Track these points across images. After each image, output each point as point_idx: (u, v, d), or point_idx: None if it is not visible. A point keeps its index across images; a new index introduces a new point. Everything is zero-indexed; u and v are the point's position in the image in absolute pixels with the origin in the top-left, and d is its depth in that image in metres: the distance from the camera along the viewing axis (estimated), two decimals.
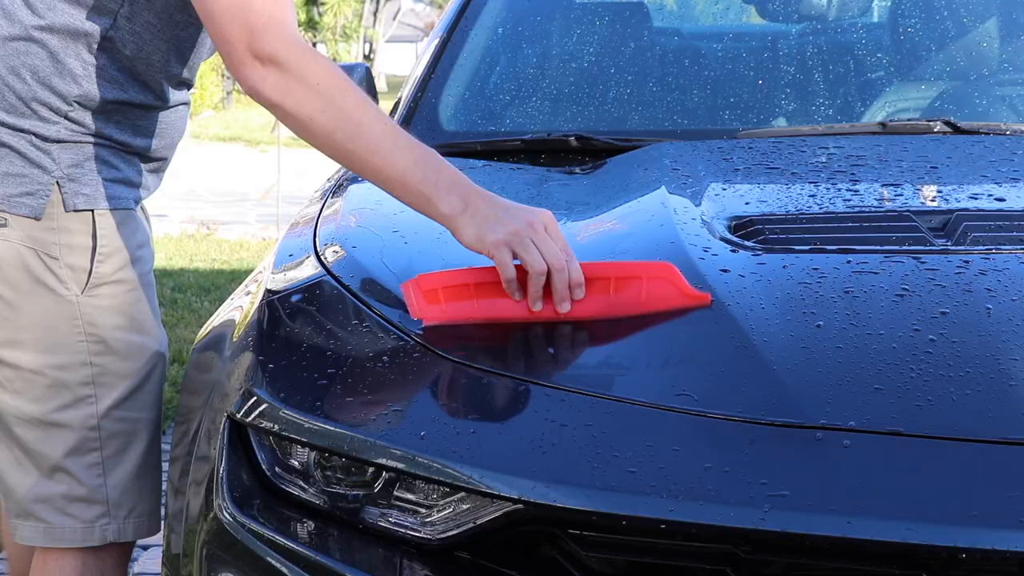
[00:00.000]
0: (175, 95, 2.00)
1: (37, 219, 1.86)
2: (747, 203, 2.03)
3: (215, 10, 1.76)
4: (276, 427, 1.56)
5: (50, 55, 1.85)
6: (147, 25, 1.90)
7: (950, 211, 1.88)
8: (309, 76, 1.73)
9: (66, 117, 1.86)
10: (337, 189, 2.32)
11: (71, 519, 1.94)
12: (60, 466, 1.92)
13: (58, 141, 1.86)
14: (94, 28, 1.86)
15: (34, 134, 1.85)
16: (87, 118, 1.88)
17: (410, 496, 1.49)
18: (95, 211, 1.89)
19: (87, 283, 1.90)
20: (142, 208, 2.07)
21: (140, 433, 1.98)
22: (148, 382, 1.98)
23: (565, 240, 1.66)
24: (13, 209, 1.85)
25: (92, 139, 1.89)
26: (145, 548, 3.40)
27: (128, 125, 1.93)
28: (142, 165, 1.99)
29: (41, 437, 1.92)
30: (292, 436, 1.55)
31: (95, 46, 1.87)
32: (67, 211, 1.87)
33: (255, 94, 1.76)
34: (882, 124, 2.51)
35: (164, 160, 2.05)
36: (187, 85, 2.04)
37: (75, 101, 1.87)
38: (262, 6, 1.74)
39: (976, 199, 2.01)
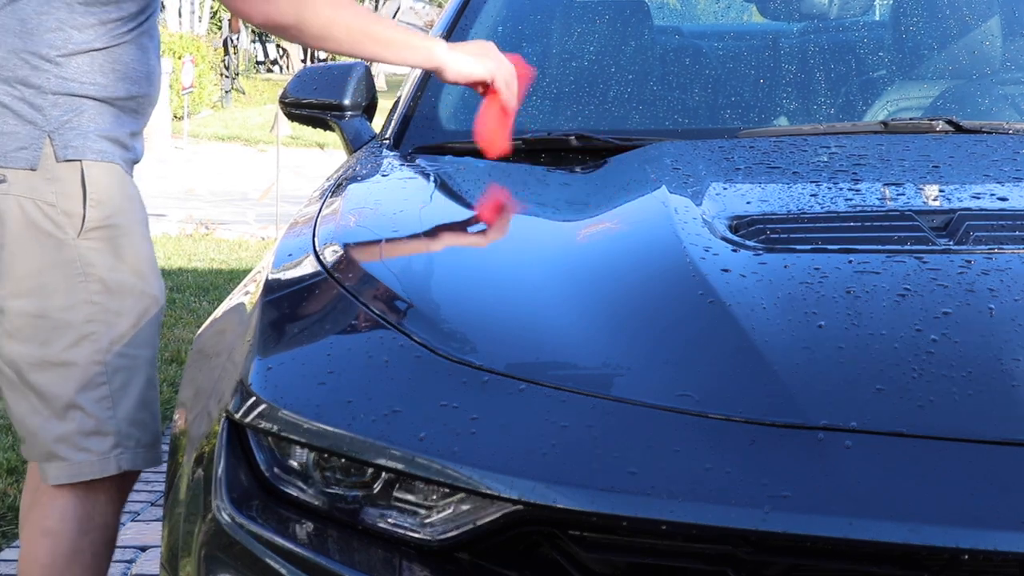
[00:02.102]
0: (150, 37, 2.20)
1: (33, 170, 2.06)
2: (748, 202, 2.02)
3: None
4: (275, 427, 1.56)
5: (35, 8, 2.05)
6: None
7: (952, 211, 1.87)
8: None
9: (56, 64, 2.06)
10: (336, 189, 2.32)
11: (87, 453, 2.13)
12: (73, 403, 2.11)
13: (51, 93, 2.06)
14: None
15: (26, 85, 2.05)
16: (76, 64, 2.07)
17: (409, 497, 1.49)
18: (83, 161, 2.08)
19: (82, 227, 2.09)
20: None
21: (140, 368, 2.16)
22: (145, 320, 2.16)
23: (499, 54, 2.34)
24: (11, 163, 2.06)
25: (80, 88, 2.08)
26: (144, 549, 3.40)
27: (111, 70, 2.11)
28: (127, 122, 2.16)
29: (54, 378, 2.10)
30: (291, 437, 1.54)
31: None
32: (58, 162, 2.07)
33: (270, 25, 2.14)
34: (884, 123, 2.51)
35: (145, 116, 2.23)
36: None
37: (63, 53, 2.06)
38: None
39: (978, 198, 2.00)
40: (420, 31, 2.27)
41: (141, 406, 2.17)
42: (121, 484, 2.23)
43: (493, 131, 2.37)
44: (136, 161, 2.23)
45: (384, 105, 3.02)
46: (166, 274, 7.40)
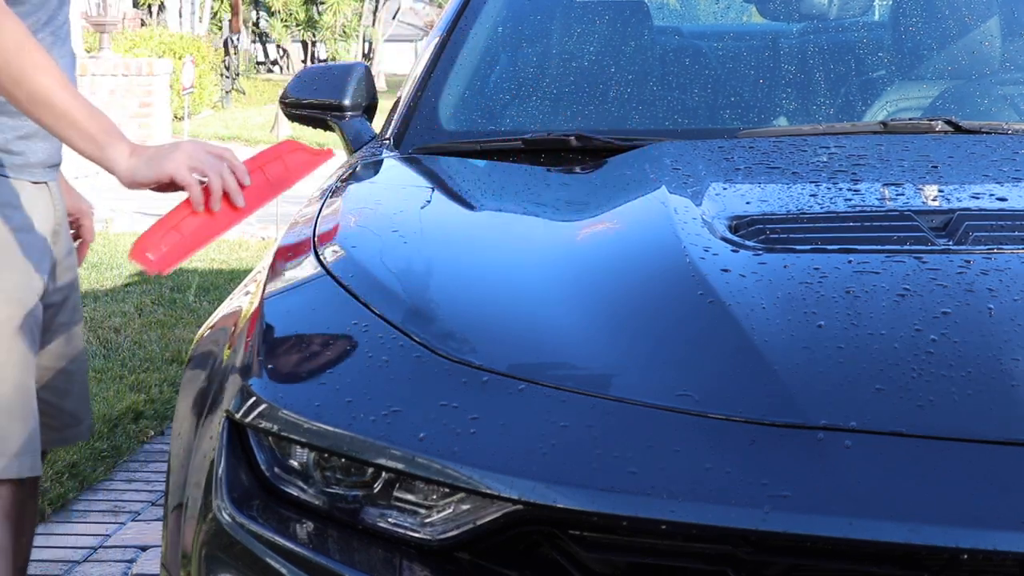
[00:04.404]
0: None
1: None
2: (748, 203, 2.02)
3: None
4: (275, 427, 1.56)
5: None
6: None
7: (951, 211, 1.87)
8: None
9: None
10: (336, 189, 2.32)
11: None
12: None
13: None
14: None
15: None
16: None
17: (410, 497, 1.49)
18: None
19: None
20: (50, 191, 2.18)
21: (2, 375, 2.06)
22: (3, 327, 2.05)
23: (214, 147, 1.99)
24: None
25: None
26: (144, 549, 3.40)
27: None
28: (8, 128, 2.08)
29: None
30: (291, 436, 1.54)
31: None
32: None
33: None
34: (883, 123, 2.51)
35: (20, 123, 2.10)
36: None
37: None
38: None
39: (978, 199, 2.00)
40: (106, 118, 2.00)
41: (5, 414, 2.05)
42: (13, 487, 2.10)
43: (162, 236, 1.95)
44: (37, 165, 2.13)
45: (384, 105, 3.02)
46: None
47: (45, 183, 2.17)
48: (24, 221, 2.11)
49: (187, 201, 1.95)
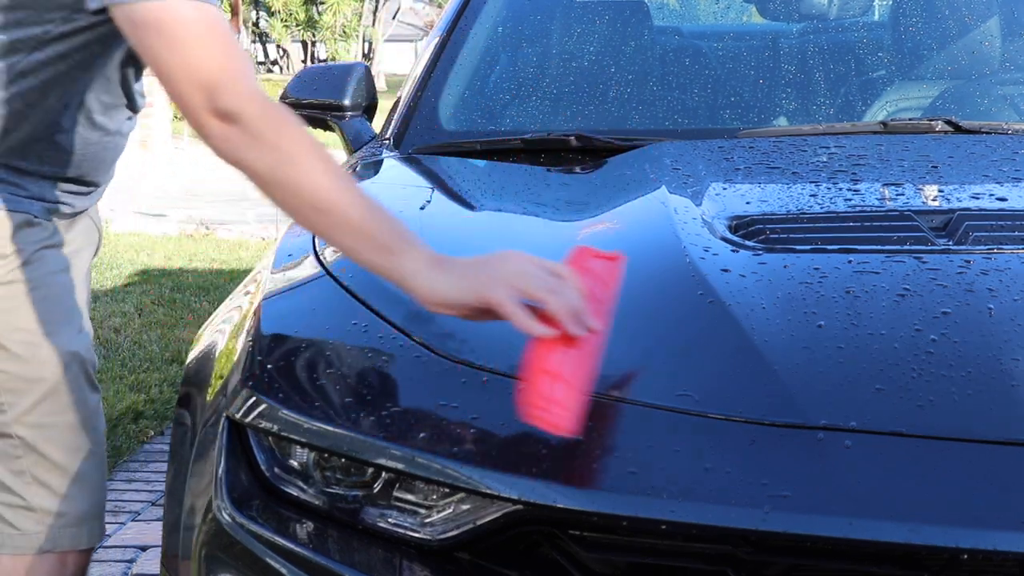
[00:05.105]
0: (95, 131, 1.92)
1: None
2: (748, 203, 2.02)
3: (167, 69, 1.66)
4: (275, 427, 1.56)
5: None
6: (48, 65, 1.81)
7: (951, 211, 1.87)
8: (270, 132, 1.62)
9: None
10: None
11: (7, 525, 1.91)
12: None
13: None
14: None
15: None
16: None
17: (410, 497, 1.49)
18: None
19: None
20: (90, 216, 2.03)
21: (66, 437, 1.92)
22: (65, 384, 1.90)
23: (544, 261, 1.53)
24: None
25: None
26: (144, 549, 3.40)
27: (33, 155, 1.87)
28: (59, 186, 1.91)
29: None
30: (291, 436, 1.54)
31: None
32: None
33: (220, 153, 1.66)
34: (883, 123, 2.51)
35: (88, 185, 1.97)
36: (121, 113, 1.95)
37: None
38: (216, 61, 1.65)
39: (978, 199, 2.00)
40: (395, 219, 1.61)
41: (74, 479, 1.92)
42: (56, 567, 1.96)
43: (548, 391, 1.42)
44: (76, 209, 1.97)
45: (384, 105, 3.02)
46: (166, 274, 7.40)
47: (84, 209, 2.04)
48: (65, 261, 1.96)
49: (535, 341, 1.47)
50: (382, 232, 1.59)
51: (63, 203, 1.93)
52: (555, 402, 1.39)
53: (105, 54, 1.86)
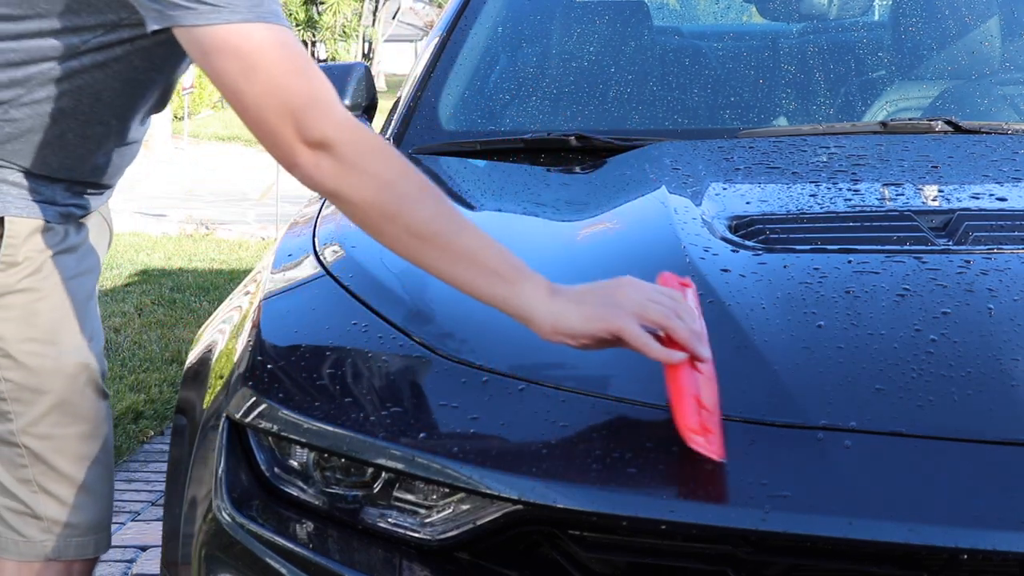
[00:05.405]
0: (122, 139, 1.89)
1: None
2: (748, 203, 2.02)
3: (249, 100, 1.56)
4: (275, 427, 1.56)
5: None
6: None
7: (951, 211, 1.87)
8: (364, 158, 1.55)
9: None
10: None
11: (13, 532, 1.89)
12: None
13: None
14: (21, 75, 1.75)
15: None
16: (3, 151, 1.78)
17: (410, 497, 1.49)
18: (5, 218, 1.79)
19: None
20: (100, 214, 2.00)
21: (73, 448, 1.89)
22: (73, 395, 1.87)
23: (654, 287, 1.51)
24: None
25: (7, 164, 1.79)
26: (144, 549, 3.40)
27: (55, 162, 1.83)
28: (74, 189, 1.88)
29: None
30: (291, 436, 1.54)
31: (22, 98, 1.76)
32: None
33: (311, 184, 1.58)
34: (883, 123, 2.51)
35: (103, 187, 1.94)
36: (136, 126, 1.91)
37: None
38: (302, 87, 1.55)
39: (977, 199, 2.00)
40: (506, 249, 1.56)
41: (81, 489, 1.90)
42: (61, 575, 1.93)
43: (695, 416, 1.40)
44: (88, 211, 1.94)
45: (384, 105, 3.02)
46: (166, 274, 7.41)
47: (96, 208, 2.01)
48: (77, 265, 1.92)
49: (672, 368, 1.44)
50: (492, 260, 1.53)
51: (77, 206, 1.89)
52: (707, 430, 1.38)
53: (146, 67, 1.79)
